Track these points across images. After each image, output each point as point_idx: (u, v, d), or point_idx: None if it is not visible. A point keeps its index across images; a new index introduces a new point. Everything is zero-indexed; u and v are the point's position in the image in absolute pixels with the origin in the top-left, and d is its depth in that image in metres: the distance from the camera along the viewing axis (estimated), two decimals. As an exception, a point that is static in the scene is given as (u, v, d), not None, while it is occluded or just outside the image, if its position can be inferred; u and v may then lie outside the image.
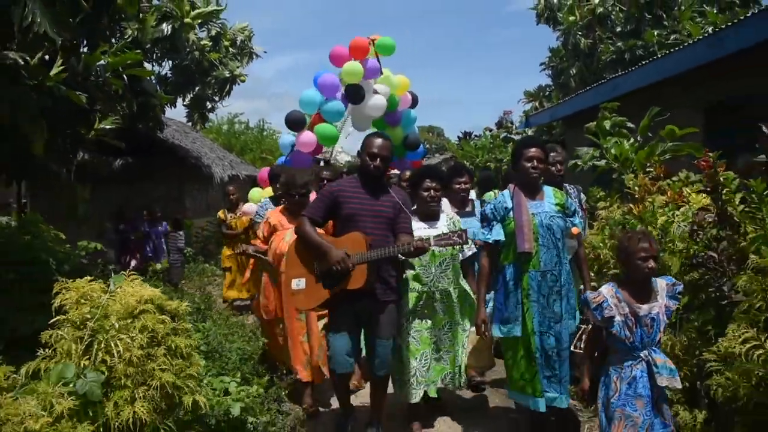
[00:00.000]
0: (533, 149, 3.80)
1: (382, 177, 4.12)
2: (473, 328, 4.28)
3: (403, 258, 4.00)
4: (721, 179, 3.38)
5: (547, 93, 19.66)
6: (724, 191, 3.35)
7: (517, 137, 8.82)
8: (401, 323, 4.14)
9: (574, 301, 3.83)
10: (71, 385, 2.50)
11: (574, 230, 3.91)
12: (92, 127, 6.54)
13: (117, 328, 2.78)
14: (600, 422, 3.14)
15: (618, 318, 2.97)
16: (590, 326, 3.33)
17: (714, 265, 3.26)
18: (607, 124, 5.76)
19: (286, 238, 4.58)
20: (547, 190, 3.92)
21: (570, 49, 17.14)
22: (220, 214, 8.56)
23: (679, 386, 2.97)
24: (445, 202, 5.09)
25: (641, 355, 2.97)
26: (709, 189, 3.42)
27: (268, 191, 6.24)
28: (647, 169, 4.77)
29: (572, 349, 3.78)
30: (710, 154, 3.50)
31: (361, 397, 4.78)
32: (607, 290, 3.07)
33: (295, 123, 6.53)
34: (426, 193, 4.26)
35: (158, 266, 8.10)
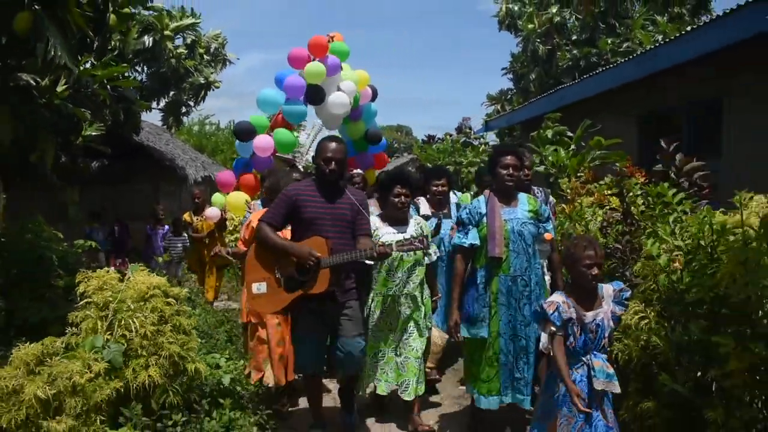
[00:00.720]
0: (509, 157, 3.90)
1: (338, 180, 4.10)
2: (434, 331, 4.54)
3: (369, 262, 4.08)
4: (627, 184, 4.13)
5: (509, 97, 20.59)
6: (629, 194, 4.11)
7: (475, 142, 9.56)
8: (366, 322, 4.20)
9: None
10: (100, 354, 3.13)
11: (547, 236, 3.98)
12: (80, 134, 7.08)
13: (132, 309, 3.42)
14: (535, 415, 3.30)
15: (570, 322, 3.04)
16: (550, 340, 3.18)
17: (620, 255, 4.00)
18: (549, 133, 6.52)
19: None
20: (522, 196, 4.02)
21: (529, 55, 18.05)
22: (186, 216, 8.65)
23: (618, 390, 3.04)
24: (423, 202, 5.28)
25: (583, 359, 3.05)
26: (617, 192, 4.16)
27: (233, 196, 6.32)
28: (578, 174, 5.52)
29: (541, 348, 3.83)
30: (616, 164, 4.24)
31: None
32: (556, 297, 3.13)
33: (245, 133, 6.38)
34: (396, 199, 4.27)
35: (160, 259, 8.58)
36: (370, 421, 4.52)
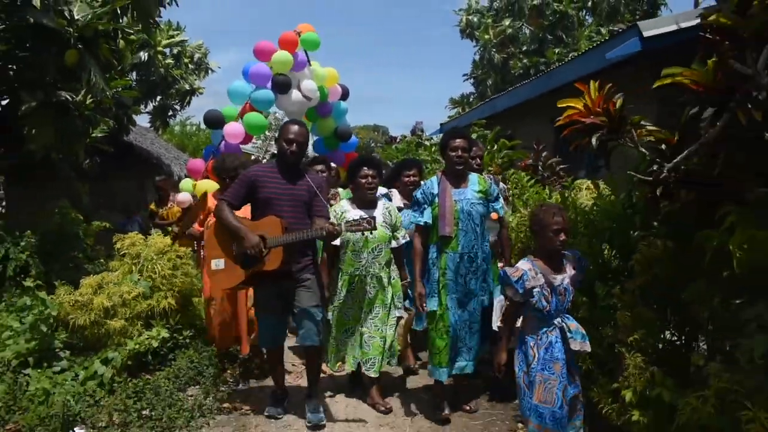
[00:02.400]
0: (458, 140, 4.09)
1: (298, 162, 4.19)
2: (403, 313, 4.70)
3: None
4: (508, 174, 5.75)
5: (470, 100, 22.28)
6: (508, 181, 5.72)
7: (426, 143, 11.07)
8: (327, 295, 4.34)
9: (491, 280, 4.15)
10: (136, 285, 4.67)
11: (494, 215, 4.18)
12: (89, 135, 8.57)
13: (155, 259, 4.95)
14: (519, 387, 3.24)
15: (536, 289, 3.10)
16: (508, 302, 3.34)
17: (501, 225, 5.60)
18: (474, 136, 8.14)
19: None
20: (472, 177, 4.20)
21: (486, 63, 19.75)
22: (152, 206, 8.87)
23: (589, 349, 3.16)
24: (395, 193, 5.38)
25: (555, 322, 3.14)
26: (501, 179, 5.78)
27: (203, 183, 6.49)
28: (489, 169, 7.10)
29: (498, 326, 3.92)
30: (492, 161, 5.85)
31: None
32: (524, 264, 3.18)
33: (213, 122, 6.40)
34: (363, 180, 4.37)
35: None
36: (339, 397, 4.61)
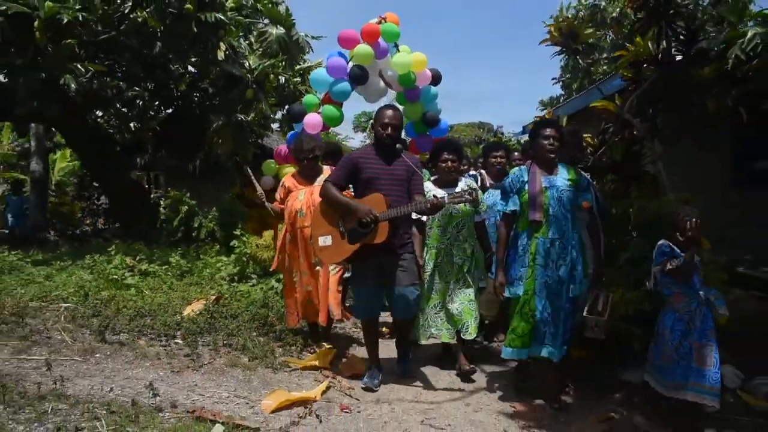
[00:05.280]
0: (549, 129, 4.18)
1: (395, 143, 4.38)
2: (483, 283, 4.82)
3: (419, 217, 4.51)
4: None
5: (559, 102, 24.04)
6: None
7: (508, 143, 12.91)
8: (422, 274, 4.52)
9: (581, 268, 4.13)
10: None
11: (585, 204, 4.23)
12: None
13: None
14: (662, 355, 3.76)
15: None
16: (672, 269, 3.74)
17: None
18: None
19: (299, 197, 5.10)
20: (562, 166, 4.22)
21: (571, 68, 21.57)
22: (237, 189, 10.29)
23: (728, 314, 3.57)
24: (484, 175, 5.81)
25: (700, 294, 3.63)
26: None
27: (287, 167, 6.56)
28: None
29: (584, 314, 4.02)
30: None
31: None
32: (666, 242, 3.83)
33: (297, 115, 6.56)
34: (444, 165, 4.73)
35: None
36: (425, 369, 4.97)
